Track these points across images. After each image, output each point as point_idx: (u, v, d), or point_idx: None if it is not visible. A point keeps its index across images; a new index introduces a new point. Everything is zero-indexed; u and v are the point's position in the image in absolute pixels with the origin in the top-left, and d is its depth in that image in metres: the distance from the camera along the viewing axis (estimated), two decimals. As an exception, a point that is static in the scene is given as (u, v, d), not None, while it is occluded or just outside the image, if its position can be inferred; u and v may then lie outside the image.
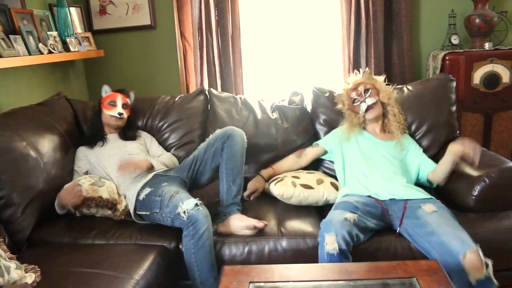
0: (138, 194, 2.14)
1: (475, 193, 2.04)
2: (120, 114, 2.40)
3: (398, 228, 1.94)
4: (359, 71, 2.44)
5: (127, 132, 2.51)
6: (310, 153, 2.44)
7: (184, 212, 1.91)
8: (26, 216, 2.05)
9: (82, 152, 2.42)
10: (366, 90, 2.32)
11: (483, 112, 3.00)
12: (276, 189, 2.22)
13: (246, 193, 2.32)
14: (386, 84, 2.43)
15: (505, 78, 2.93)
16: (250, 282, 1.53)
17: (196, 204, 1.93)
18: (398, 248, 1.91)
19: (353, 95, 2.35)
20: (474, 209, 2.05)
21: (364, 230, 1.89)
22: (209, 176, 2.30)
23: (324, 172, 2.46)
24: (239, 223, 2.02)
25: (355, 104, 2.34)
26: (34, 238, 2.09)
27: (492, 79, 2.93)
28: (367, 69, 2.41)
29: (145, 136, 2.59)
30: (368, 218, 1.93)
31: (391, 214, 1.99)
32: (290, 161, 2.43)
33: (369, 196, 2.06)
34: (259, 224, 1.99)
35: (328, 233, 1.78)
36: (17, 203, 2.03)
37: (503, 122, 3.01)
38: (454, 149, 2.08)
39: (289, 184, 2.20)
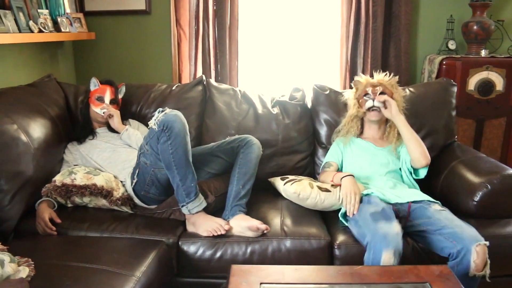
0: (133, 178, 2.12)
1: (477, 199, 2.03)
2: (105, 113, 2.34)
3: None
4: (362, 71, 2.38)
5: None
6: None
7: (155, 124, 1.95)
8: (14, 204, 1.93)
9: (74, 147, 2.34)
10: (382, 93, 2.25)
11: (476, 118, 3.03)
12: (292, 188, 2.12)
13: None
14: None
15: (499, 86, 2.96)
16: (261, 283, 1.48)
17: (161, 111, 1.99)
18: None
19: (369, 90, 2.27)
20: (475, 215, 2.05)
21: None
22: (213, 167, 2.23)
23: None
24: (242, 222, 1.95)
25: (365, 97, 2.27)
26: (22, 228, 1.97)
27: (486, 86, 2.96)
28: (397, 77, 2.34)
29: (133, 125, 2.49)
30: None
31: (401, 216, 1.97)
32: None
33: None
34: (262, 226, 1.92)
35: (387, 248, 1.67)
36: (5, 190, 1.91)
37: (494, 129, 3.05)
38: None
39: (307, 185, 2.11)
